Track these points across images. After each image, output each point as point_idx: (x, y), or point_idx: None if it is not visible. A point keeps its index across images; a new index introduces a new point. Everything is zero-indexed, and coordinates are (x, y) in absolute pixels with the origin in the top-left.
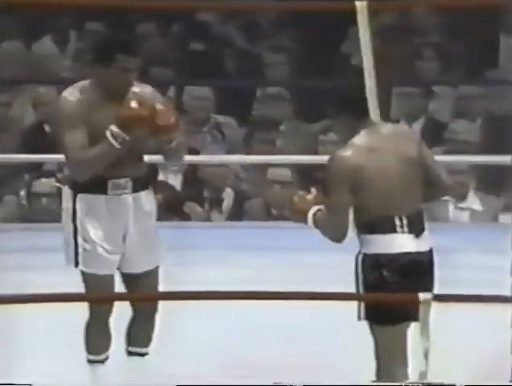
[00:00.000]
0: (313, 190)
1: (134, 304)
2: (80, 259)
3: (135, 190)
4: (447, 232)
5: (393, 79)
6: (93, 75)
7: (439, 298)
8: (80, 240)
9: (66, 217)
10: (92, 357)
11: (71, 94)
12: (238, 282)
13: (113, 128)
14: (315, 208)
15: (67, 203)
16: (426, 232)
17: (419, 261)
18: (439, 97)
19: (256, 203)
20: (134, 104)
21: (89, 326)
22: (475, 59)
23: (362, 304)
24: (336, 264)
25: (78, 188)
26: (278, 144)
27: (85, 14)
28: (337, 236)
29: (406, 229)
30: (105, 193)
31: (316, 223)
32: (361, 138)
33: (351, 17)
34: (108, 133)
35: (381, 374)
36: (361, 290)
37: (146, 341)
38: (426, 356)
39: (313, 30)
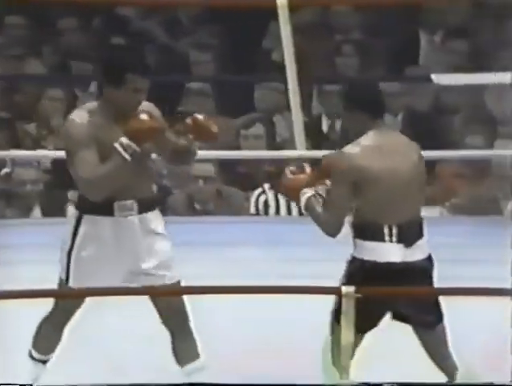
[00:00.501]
0: (307, 167)
1: (168, 325)
2: (70, 278)
3: (141, 211)
4: None
5: (314, 75)
6: (103, 96)
7: (362, 291)
8: (72, 259)
9: (66, 235)
10: (38, 356)
11: (78, 116)
12: None
13: (124, 140)
14: (309, 192)
15: (70, 221)
16: (421, 241)
17: (405, 271)
18: None
19: (179, 199)
20: (143, 116)
21: (49, 324)
22: (395, 57)
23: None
24: (260, 259)
25: (84, 209)
26: None
27: (5, 8)
28: (330, 231)
29: (394, 239)
30: (112, 215)
31: (309, 211)
32: (369, 139)
33: (272, 13)
34: (117, 146)
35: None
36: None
37: (196, 352)
38: (351, 351)
39: (234, 26)
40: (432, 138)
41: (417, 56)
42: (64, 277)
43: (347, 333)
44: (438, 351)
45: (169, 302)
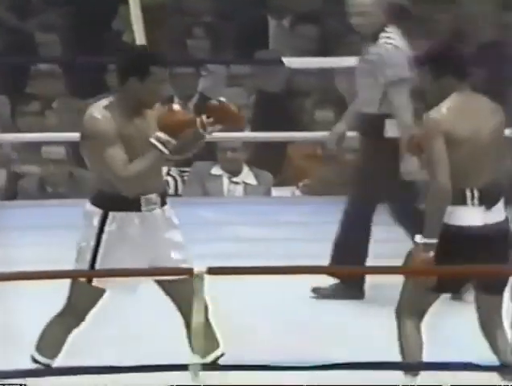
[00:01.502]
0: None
1: (184, 313)
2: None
3: (162, 204)
4: (221, 206)
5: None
6: (126, 88)
7: (214, 271)
8: (98, 259)
9: (87, 234)
10: (44, 360)
11: (100, 112)
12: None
13: (161, 135)
14: None
15: (91, 219)
16: (500, 204)
17: (486, 234)
18: (211, 75)
19: (30, 182)
20: (177, 108)
21: (59, 328)
22: (246, 40)
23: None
24: None
25: (109, 206)
26: (50, 121)
27: None
28: (447, 187)
29: (476, 202)
30: (139, 210)
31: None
32: (454, 102)
33: None
34: (154, 141)
35: None
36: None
37: (215, 341)
38: (200, 331)
39: (83, 7)
40: (284, 120)
41: (267, 40)
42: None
43: (198, 315)
44: (493, 319)
45: (189, 294)
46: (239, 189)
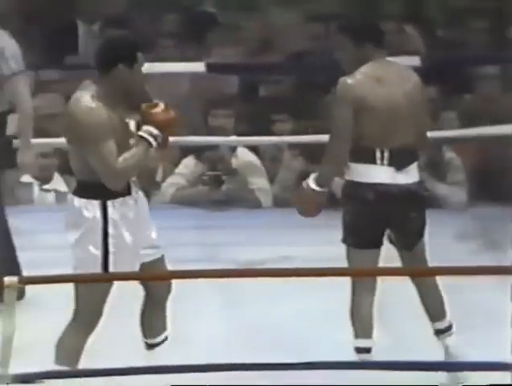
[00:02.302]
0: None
1: (149, 291)
2: (110, 267)
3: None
4: (32, 214)
5: None
6: (113, 76)
7: (26, 281)
8: (111, 249)
9: (87, 228)
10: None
11: (92, 102)
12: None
13: (151, 129)
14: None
15: (89, 212)
16: (412, 166)
17: (396, 193)
18: None
19: None
20: (163, 106)
21: (79, 334)
22: (55, 45)
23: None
24: None
25: (106, 195)
26: None
27: None
28: (341, 156)
29: (385, 162)
30: (130, 193)
31: (321, 176)
32: (369, 68)
33: None
34: (145, 135)
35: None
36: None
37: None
38: (8, 343)
39: None
40: None
41: (76, 45)
42: (99, 269)
43: (7, 324)
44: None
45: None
46: (50, 197)
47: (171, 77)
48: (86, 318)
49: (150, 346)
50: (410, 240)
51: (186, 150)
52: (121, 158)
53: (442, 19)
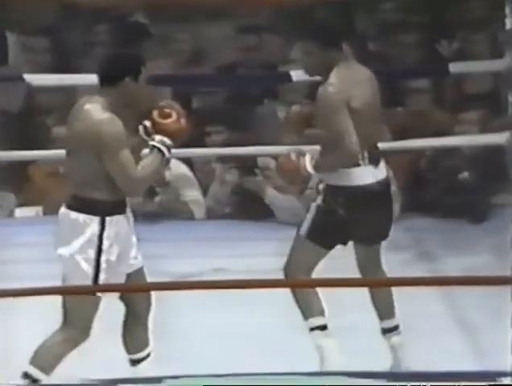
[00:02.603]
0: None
1: (129, 306)
2: (100, 277)
3: None
4: None
5: None
6: (120, 89)
7: None
8: (103, 265)
9: (82, 243)
10: (38, 374)
11: (105, 114)
12: None
13: (165, 139)
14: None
15: (87, 228)
16: (382, 162)
17: (377, 189)
18: None
19: None
20: (175, 116)
21: (65, 343)
22: None
23: (308, 222)
24: None
25: (104, 212)
26: None
27: None
28: (356, 149)
29: (366, 161)
30: (125, 212)
31: (323, 165)
32: (342, 72)
33: None
34: (159, 145)
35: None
36: (313, 211)
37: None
38: None
39: None
40: (25, 138)
41: (6, 56)
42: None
43: None
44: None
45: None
46: None
47: None
48: (74, 332)
49: (134, 362)
50: (379, 233)
51: None
52: (139, 167)
53: (372, 33)
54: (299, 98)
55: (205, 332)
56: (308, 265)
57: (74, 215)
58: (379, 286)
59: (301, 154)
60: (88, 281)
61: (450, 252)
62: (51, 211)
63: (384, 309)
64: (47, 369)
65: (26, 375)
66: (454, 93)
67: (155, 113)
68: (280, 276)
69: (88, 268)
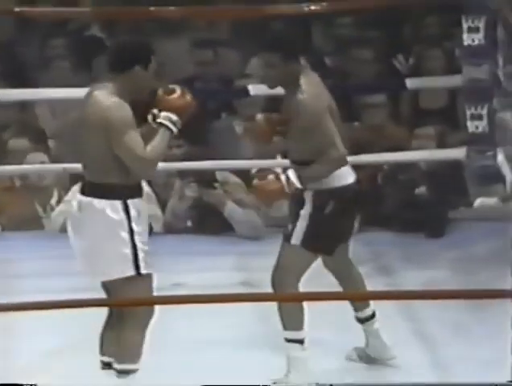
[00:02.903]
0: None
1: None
2: (141, 263)
3: None
4: None
5: None
6: (128, 76)
7: None
8: (139, 245)
9: (113, 229)
10: (133, 366)
11: (113, 99)
12: None
13: (170, 115)
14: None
15: (114, 213)
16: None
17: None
18: None
19: None
20: (180, 92)
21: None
22: None
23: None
24: None
25: (125, 195)
26: None
27: None
28: (345, 155)
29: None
30: (141, 196)
31: (312, 175)
32: (311, 81)
33: None
34: (165, 121)
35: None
36: (305, 220)
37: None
38: None
39: None
40: None
41: None
42: (131, 269)
43: None
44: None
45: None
46: None
47: (61, 104)
48: (139, 314)
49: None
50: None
51: (77, 177)
52: (148, 147)
53: (329, 48)
54: (256, 112)
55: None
56: (299, 272)
57: (97, 202)
58: (376, 299)
59: (277, 173)
60: (130, 263)
61: (408, 266)
62: (10, 227)
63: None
64: (137, 359)
65: (121, 372)
66: (411, 108)
67: (160, 92)
68: (239, 290)
69: (126, 250)
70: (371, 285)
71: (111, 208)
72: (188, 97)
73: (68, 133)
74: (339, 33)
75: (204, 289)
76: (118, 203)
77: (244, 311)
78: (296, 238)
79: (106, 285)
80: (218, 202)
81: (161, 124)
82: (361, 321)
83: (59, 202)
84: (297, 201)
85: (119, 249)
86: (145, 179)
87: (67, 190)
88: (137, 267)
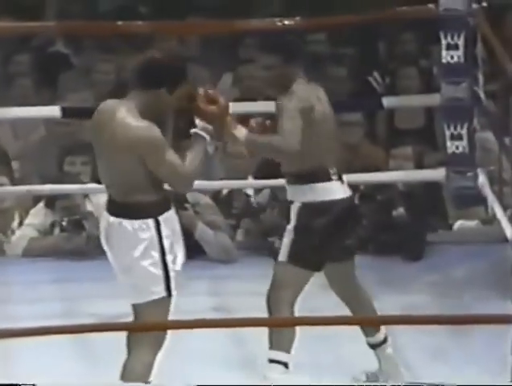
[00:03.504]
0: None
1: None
2: (172, 285)
3: None
4: None
5: None
6: (152, 96)
7: None
8: (170, 265)
9: (145, 248)
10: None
11: (138, 119)
12: None
13: (203, 124)
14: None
15: (145, 233)
16: (344, 179)
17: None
18: None
19: None
20: (213, 97)
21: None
22: None
23: (287, 247)
24: None
25: (156, 212)
26: None
27: None
28: (294, 143)
29: (336, 177)
30: (171, 208)
31: (255, 141)
32: (304, 86)
33: None
34: (200, 131)
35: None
36: (291, 234)
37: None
38: None
39: None
40: None
41: None
42: (163, 291)
43: None
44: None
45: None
46: None
47: (24, 122)
48: (152, 337)
49: None
50: (352, 250)
51: (38, 199)
52: (187, 162)
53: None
54: None
55: None
56: (294, 290)
57: (126, 222)
58: (375, 325)
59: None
60: (162, 285)
61: (387, 291)
62: None
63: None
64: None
65: None
66: (387, 128)
67: (200, 97)
68: (211, 316)
69: (157, 271)
70: (348, 311)
71: (140, 228)
72: (223, 102)
73: (33, 153)
74: (312, 49)
75: (174, 314)
76: (149, 222)
77: (215, 337)
78: (283, 254)
79: (135, 308)
80: (189, 223)
81: (196, 134)
82: (373, 346)
83: (20, 224)
84: (286, 216)
85: (150, 270)
86: (184, 193)
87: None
88: (168, 289)
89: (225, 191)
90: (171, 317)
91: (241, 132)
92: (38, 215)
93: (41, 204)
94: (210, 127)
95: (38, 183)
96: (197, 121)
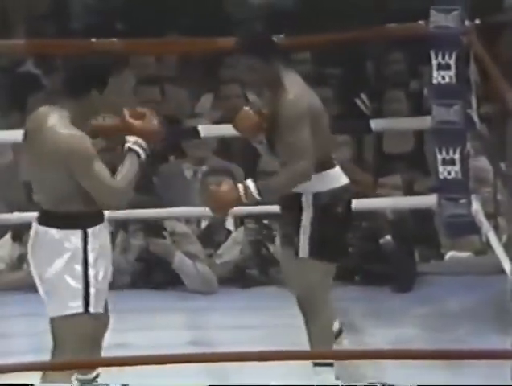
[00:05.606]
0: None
1: None
2: (91, 301)
3: None
4: None
5: None
6: (83, 101)
7: None
8: (91, 281)
9: (68, 259)
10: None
11: (70, 127)
12: None
13: (138, 139)
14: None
15: (70, 243)
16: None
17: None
18: None
19: None
20: (147, 115)
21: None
22: None
23: (307, 242)
24: None
25: (85, 224)
26: None
27: None
28: (309, 174)
29: (336, 163)
30: (104, 221)
31: (269, 188)
32: (294, 82)
33: None
34: (134, 146)
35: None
36: (308, 228)
37: None
38: None
39: None
40: None
41: None
42: (80, 307)
43: None
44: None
45: None
46: None
47: None
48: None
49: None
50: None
51: (5, 229)
52: (118, 177)
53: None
54: (207, 154)
55: None
56: (324, 285)
57: (53, 231)
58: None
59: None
60: (79, 300)
61: (376, 324)
62: None
63: None
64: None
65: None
66: (375, 152)
67: (127, 115)
68: (191, 350)
69: (76, 285)
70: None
71: (66, 238)
72: (156, 121)
73: None
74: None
75: (150, 349)
76: (77, 233)
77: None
78: (303, 250)
79: (51, 321)
80: (166, 253)
81: (129, 149)
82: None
83: None
84: (290, 206)
85: (69, 283)
86: (115, 210)
87: None
88: (86, 305)
89: (204, 224)
90: (146, 353)
91: (252, 195)
92: (4, 248)
93: (7, 236)
94: (144, 143)
95: (4, 212)
96: (127, 137)
